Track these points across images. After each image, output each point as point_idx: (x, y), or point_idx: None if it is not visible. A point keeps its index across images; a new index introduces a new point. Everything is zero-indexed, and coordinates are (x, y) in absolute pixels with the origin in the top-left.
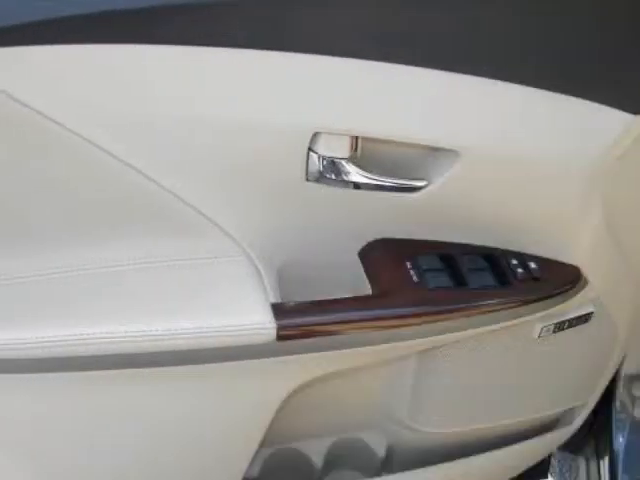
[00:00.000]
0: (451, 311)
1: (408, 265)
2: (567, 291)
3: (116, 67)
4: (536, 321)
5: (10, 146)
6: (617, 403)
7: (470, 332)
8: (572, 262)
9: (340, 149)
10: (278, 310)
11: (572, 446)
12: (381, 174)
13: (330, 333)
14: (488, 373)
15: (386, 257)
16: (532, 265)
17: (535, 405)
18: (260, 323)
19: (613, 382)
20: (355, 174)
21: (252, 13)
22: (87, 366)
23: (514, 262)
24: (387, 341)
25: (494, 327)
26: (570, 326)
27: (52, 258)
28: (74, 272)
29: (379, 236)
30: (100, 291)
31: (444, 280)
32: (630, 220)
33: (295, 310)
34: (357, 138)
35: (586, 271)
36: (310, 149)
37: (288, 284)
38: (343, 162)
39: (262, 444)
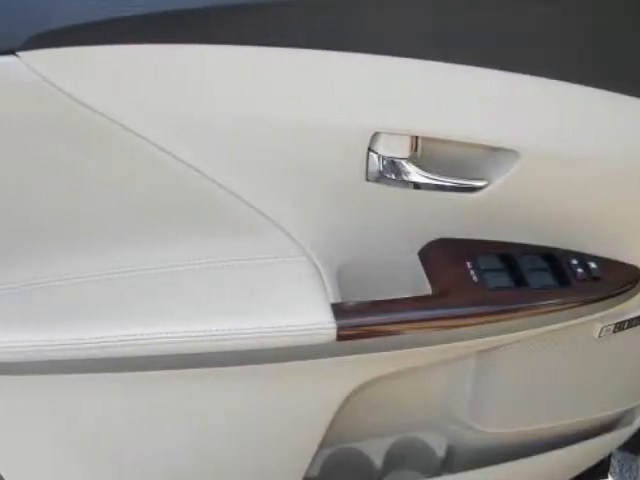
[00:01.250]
0: (511, 311)
1: (468, 265)
2: (627, 291)
3: (176, 67)
4: (596, 321)
5: (71, 147)
6: None
7: (530, 332)
8: (632, 262)
9: (400, 149)
10: (338, 310)
11: (632, 446)
12: (441, 174)
13: (390, 333)
14: (548, 373)
15: (446, 257)
16: (592, 265)
17: (595, 405)
18: (320, 323)
19: None
20: (415, 174)
21: (312, 13)
22: (146, 366)
23: (574, 262)
24: (447, 341)
25: (554, 327)
26: (630, 326)
27: (112, 258)
28: (134, 272)
29: (439, 236)
30: (160, 291)
31: (504, 280)
32: None
33: (355, 310)
34: (417, 138)
35: None
36: (370, 149)
37: (348, 284)
38: (403, 162)
39: (322, 444)
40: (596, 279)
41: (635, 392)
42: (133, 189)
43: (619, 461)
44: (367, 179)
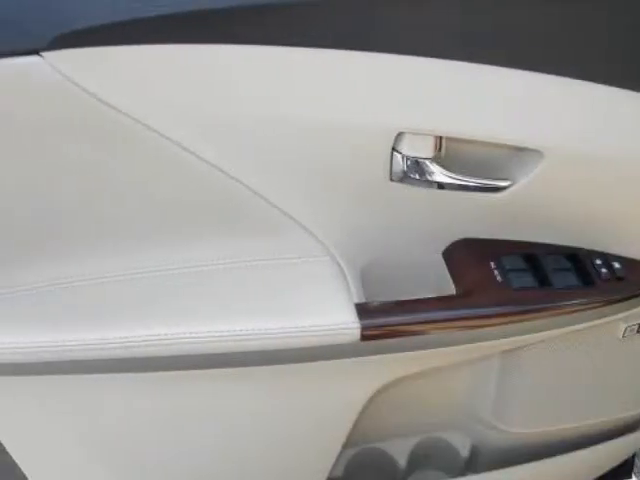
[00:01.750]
0: (535, 311)
1: (492, 265)
2: None
3: (201, 67)
4: (620, 321)
5: (95, 147)
6: None
7: (554, 332)
8: None
9: (424, 149)
10: (362, 310)
11: None
12: (465, 174)
13: (414, 333)
14: (572, 373)
15: (470, 257)
16: (616, 265)
17: (619, 405)
18: (344, 323)
19: None
20: (439, 174)
21: (337, 13)
22: (169, 366)
23: (598, 262)
24: (471, 341)
25: (578, 327)
26: None
27: (136, 258)
28: (158, 272)
29: (463, 236)
30: (184, 291)
31: (528, 280)
32: None
33: (379, 310)
34: (441, 138)
35: None
36: (394, 149)
37: (372, 284)
38: (427, 162)
39: (346, 444)
40: (620, 279)
41: None
42: (157, 189)
43: None
44: (391, 179)
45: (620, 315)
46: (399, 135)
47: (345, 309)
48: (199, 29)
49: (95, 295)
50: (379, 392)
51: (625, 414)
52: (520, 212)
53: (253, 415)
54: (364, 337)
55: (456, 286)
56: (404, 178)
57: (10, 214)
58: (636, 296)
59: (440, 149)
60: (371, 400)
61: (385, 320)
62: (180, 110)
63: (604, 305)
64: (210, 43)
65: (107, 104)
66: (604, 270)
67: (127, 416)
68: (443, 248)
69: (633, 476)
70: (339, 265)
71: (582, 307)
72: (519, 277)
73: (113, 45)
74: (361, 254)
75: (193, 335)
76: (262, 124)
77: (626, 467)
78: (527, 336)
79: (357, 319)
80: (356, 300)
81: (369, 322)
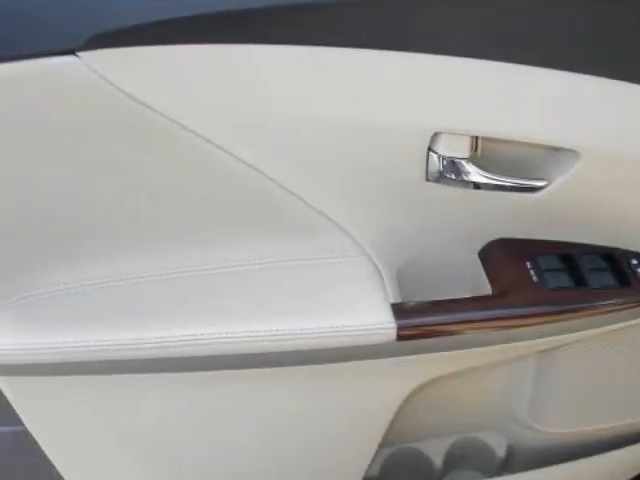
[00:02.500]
0: (571, 311)
1: (528, 265)
2: None
3: (235, 67)
4: None
5: (131, 146)
6: None
7: (590, 332)
8: None
9: (460, 149)
10: (398, 310)
11: None
12: (501, 174)
13: (450, 333)
14: (609, 373)
15: (506, 257)
16: None
17: None
18: (380, 323)
19: None
20: (475, 174)
21: (372, 13)
22: (205, 366)
23: (634, 262)
24: (507, 341)
25: (614, 327)
26: None
27: (172, 258)
28: (194, 272)
29: (499, 236)
30: (220, 291)
31: (564, 280)
32: None
33: (415, 310)
34: (477, 138)
35: None
36: (430, 149)
37: (407, 284)
38: (463, 162)
39: (382, 444)
40: None
41: None
42: (193, 189)
43: None
44: (427, 179)
45: None
46: (435, 135)
47: (381, 309)
48: (234, 29)
49: (131, 295)
50: (415, 392)
51: None
52: (556, 212)
53: (289, 415)
54: (400, 337)
55: (492, 286)
56: (440, 178)
57: (46, 214)
58: None
59: (476, 149)
60: (407, 400)
61: (421, 320)
62: (215, 110)
63: None
64: (245, 43)
65: (142, 104)
66: None
67: (163, 416)
68: (479, 248)
69: None
70: (375, 265)
71: (618, 307)
72: (555, 277)
73: (148, 45)
74: (397, 254)
75: (229, 335)
76: (297, 124)
77: None
78: (563, 336)
79: (393, 319)
80: (392, 300)
81: (405, 322)
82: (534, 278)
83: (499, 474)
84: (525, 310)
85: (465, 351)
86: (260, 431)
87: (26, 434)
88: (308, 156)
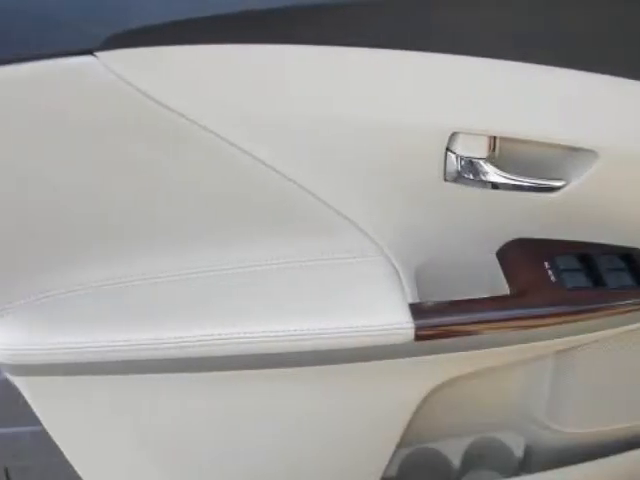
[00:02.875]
0: (589, 311)
1: (546, 265)
2: None
3: (256, 67)
4: None
5: (149, 146)
6: None
7: (608, 332)
8: None
9: (478, 149)
10: (416, 310)
11: None
12: (519, 174)
13: (468, 333)
14: (627, 373)
15: (524, 257)
16: None
17: None
18: (398, 323)
19: None
20: (493, 174)
21: (391, 13)
22: (224, 366)
23: None
24: (525, 341)
25: (632, 327)
26: None
27: (190, 258)
28: (212, 272)
29: (516, 236)
30: (238, 291)
31: (582, 280)
32: None
33: (433, 310)
34: (495, 138)
35: None
36: (448, 149)
37: (425, 284)
38: (481, 162)
39: (400, 444)
40: None
41: None
42: (211, 189)
43: None
44: (445, 179)
45: None
46: (453, 135)
47: (399, 309)
48: (254, 29)
49: (149, 295)
50: (433, 392)
51: None
52: (574, 212)
53: (307, 415)
54: (418, 337)
55: (510, 286)
56: (458, 178)
57: (64, 214)
58: None
59: (494, 149)
60: (425, 400)
61: (439, 320)
62: (234, 110)
63: None
64: (265, 43)
65: (161, 104)
66: None
67: (181, 416)
68: (497, 248)
69: None
70: (393, 265)
71: (636, 307)
72: (573, 277)
73: (167, 45)
74: (415, 254)
75: (247, 335)
76: (317, 124)
77: None
78: (581, 336)
79: (411, 319)
80: (410, 300)
81: (423, 322)
82: (552, 278)
83: (517, 474)
84: (543, 310)
85: (483, 351)
86: (278, 431)
87: (44, 434)
88: (327, 156)
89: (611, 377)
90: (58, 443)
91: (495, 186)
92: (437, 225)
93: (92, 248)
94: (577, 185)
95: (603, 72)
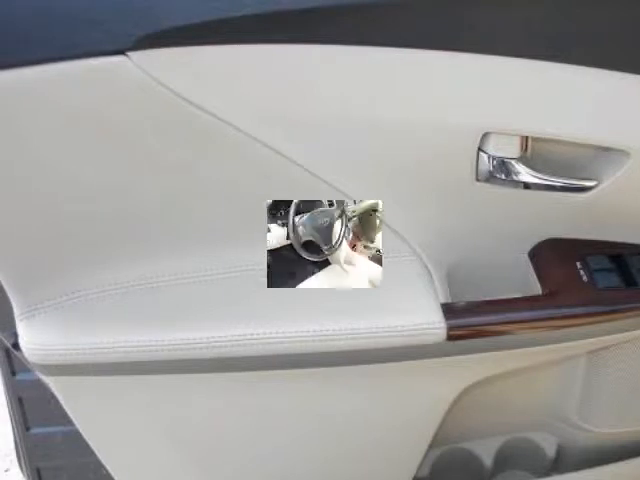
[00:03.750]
0: (621, 311)
1: (578, 265)
2: None
3: (286, 67)
4: None
5: (181, 146)
6: None
7: None
8: None
9: (510, 149)
10: (448, 310)
11: None
12: (551, 174)
13: (500, 333)
14: None
15: (556, 257)
16: None
17: None
18: (430, 323)
19: None
20: (525, 174)
21: (423, 13)
22: (256, 366)
23: None
24: (557, 341)
25: None
26: None
27: (221, 258)
28: (244, 272)
29: (548, 236)
30: (270, 291)
31: (614, 280)
32: None
33: (465, 310)
34: (527, 138)
35: None
36: (480, 149)
37: (457, 284)
38: (513, 162)
39: (432, 444)
40: None
41: None
42: (243, 189)
43: None
44: (477, 179)
45: None
46: (485, 135)
47: (431, 309)
48: (285, 29)
49: (180, 295)
50: (465, 392)
51: None
52: (606, 212)
53: (340, 415)
54: (450, 337)
55: (542, 286)
56: (490, 178)
57: (96, 214)
58: None
59: (526, 149)
60: (457, 400)
61: (471, 320)
62: (266, 110)
63: None
64: (296, 43)
65: (192, 104)
66: None
67: (214, 416)
68: (529, 248)
69: None
70: (425, 265)
71: None
72: (605, 277)
73: (199, 45)
74: (447, 254)
75: (280, 335)
76: (349, 124)
77: None
78: (613, 336)
79: (443, 319)
80: (442, 300)
81: (455, 322)
82: (584, 278)
83: (549, 474)
84: (575, 310)
85: (515, 351)
86: (310, 431)
87: (76, 434)
88: (360, 157)
89: None
90: (90, 443)
91: (527, 186)
92: (469, 225)
93: (124, 248)
94: (609, 185)
95: (635, 72)
